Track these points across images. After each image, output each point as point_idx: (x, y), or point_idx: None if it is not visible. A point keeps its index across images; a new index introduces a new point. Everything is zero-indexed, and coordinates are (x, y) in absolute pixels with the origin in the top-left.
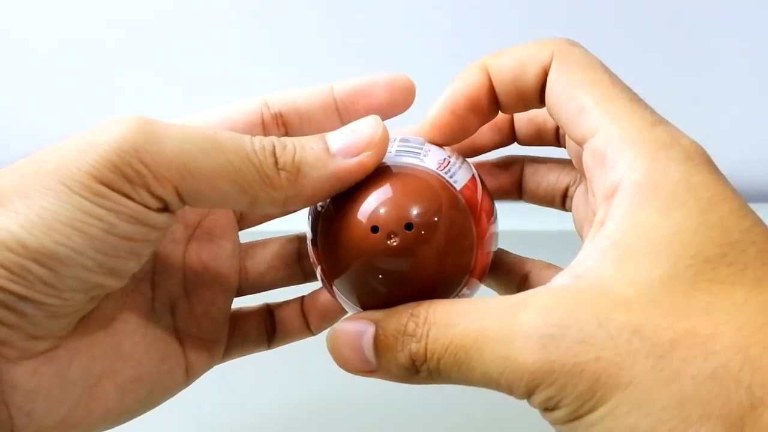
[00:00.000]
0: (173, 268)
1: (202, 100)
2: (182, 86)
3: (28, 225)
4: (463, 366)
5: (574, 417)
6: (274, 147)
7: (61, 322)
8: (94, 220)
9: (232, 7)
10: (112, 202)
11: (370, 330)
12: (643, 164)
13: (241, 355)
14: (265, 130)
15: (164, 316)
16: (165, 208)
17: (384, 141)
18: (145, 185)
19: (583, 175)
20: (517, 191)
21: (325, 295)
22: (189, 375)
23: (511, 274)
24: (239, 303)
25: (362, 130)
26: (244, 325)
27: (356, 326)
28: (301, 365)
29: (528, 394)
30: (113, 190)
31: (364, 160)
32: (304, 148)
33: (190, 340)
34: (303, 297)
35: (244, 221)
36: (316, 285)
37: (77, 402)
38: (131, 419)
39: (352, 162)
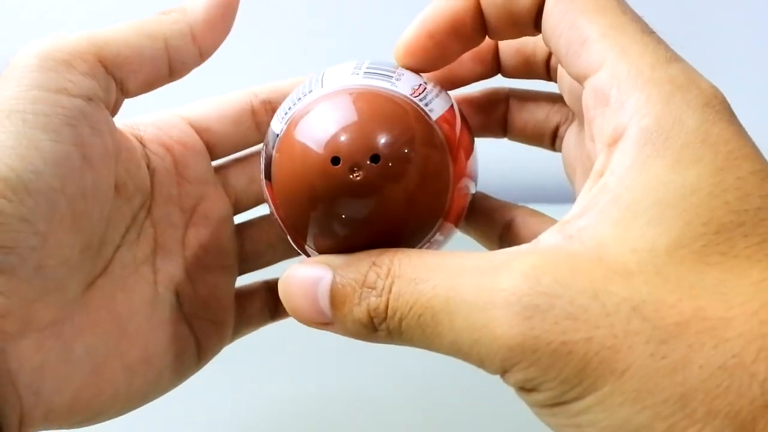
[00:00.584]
0: (173, 252)
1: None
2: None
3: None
4: (428, 330)
5: (556, 403)
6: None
7: (54, 280)
8: (38, 133)
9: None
10: (46, 106)
11: (327, 277)
12: (655, 108)
13: (249, 332)
14: (255, 116)
15: (168, 299)
16: (89, 97)
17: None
18: (70, 66)
19: (575, 113)
20: (502, 128)
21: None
22: (201, 358)
23: (492, 222)
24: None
25: None
26: (248, 303)
27: (312, 272)
28: (300, 361)
29: (502, 371)
30: (48, 90)
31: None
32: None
33: (198, 323)
34: None
35: (239, 205)
36: None
37: (85, 381)
38: (143, 404)
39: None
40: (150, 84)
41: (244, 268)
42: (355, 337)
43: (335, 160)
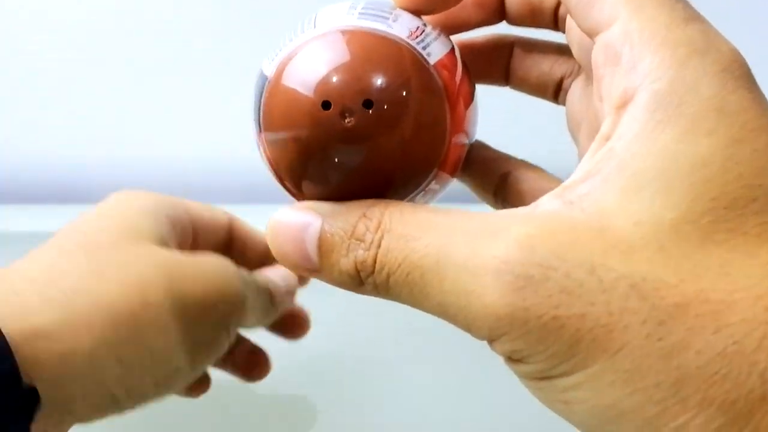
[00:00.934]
0: None
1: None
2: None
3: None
4: (416, 289)
5: (544, 377)
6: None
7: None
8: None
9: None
10: None
11: (316, 224)
12: (668, 72)
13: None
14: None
15: None
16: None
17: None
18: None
19: (583, 67)
20: (504, 76)
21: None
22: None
23: (488, 173)
24: None
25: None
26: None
27: (300, 217)
28: None
29: (490, 340)
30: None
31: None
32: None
33: None
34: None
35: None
36: None
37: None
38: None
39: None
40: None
41: None
42: (342, 287)
43: (326, 105)
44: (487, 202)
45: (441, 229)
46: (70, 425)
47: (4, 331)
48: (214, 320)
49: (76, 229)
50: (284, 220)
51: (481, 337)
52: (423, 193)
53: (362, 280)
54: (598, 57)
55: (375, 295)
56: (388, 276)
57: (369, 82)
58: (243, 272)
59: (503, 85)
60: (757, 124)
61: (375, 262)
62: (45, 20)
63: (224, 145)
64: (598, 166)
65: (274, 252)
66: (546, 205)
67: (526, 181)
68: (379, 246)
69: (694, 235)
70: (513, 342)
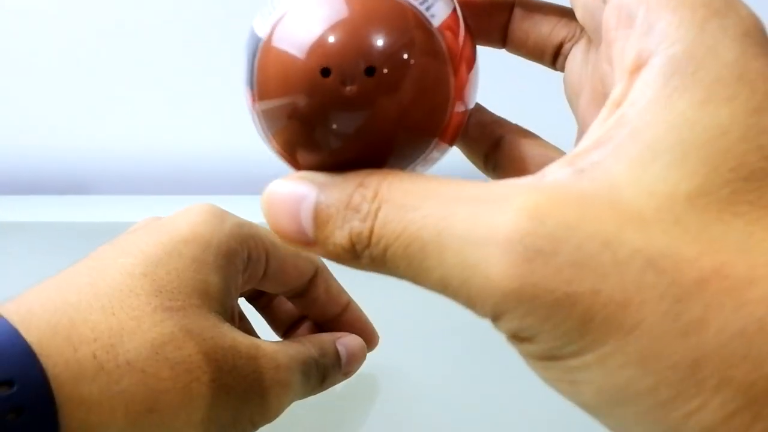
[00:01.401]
0: None
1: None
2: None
3: None
4: (415, 262)
5: (551, 357)
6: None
7: None
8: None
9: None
10: None
11: (311, 195)
12: (687, 35)
13: None
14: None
15: None
16: None
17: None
18: None
19: (587, 30)
20: (501, 38)
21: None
22: None
23: (480, 137)
24: None
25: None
26: None
27: (295, 188)
28: None
29: (494, 317)
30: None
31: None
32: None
33: None
34: None
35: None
36: None
37: None
38: None
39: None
40: None
41: None
42: (337, 261)
43: (325, 72)
44: (478, 167)
45: (442, 198)
46: None
47: (56, 400)
48: (248, 416)
49: (148, 270)
50: (279, 191)
51: (484, 314)
52: (423, 162)
53: (358, 253)
54: (610, 19)
55: (372, 270)
56: (386, 248)
57: (371, 46)
58: (302, 355)
59: (499, 47)
60: None
61: (371, 233)
62: (42, 13)
63: (225, 136)
64: (610, 133)
65: (269, 224)
66: (555, 173)
67: (520, 147)
68: (376, 217)
69: (712, 207)
70: (520, 320)
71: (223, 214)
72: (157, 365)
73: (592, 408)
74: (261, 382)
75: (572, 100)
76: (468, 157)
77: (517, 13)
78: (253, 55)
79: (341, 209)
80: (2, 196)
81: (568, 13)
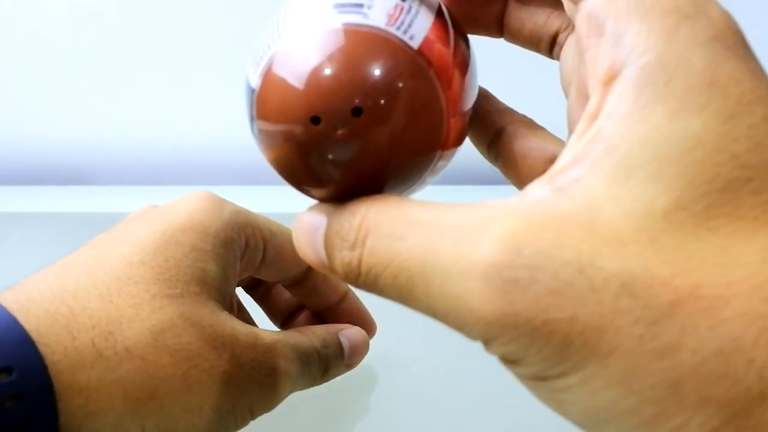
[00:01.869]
0: None
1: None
2: (178, 83)
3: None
4: (404, 292)
5: (539, 378)
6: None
7: None
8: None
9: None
10: None
11: (323, 226)
12: (657, 44)
13: None
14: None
15: None
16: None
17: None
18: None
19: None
20: (498, 27)
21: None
22: None
23: (483, 127)
24: None
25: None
26: None
27: (311, 219)
28: None
29: (484, 343)
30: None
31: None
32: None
33: None
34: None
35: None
36: None
37: None
38: None
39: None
40: None
41: None
42: (349, 283)
43: (315, 120)
44: (483, 156)
45: (427, 227)
46: None
47: (55, 387)
48: (247, 404)
49: (147, 258)
50: (301, 221)
51: (473, 339)
52: (431, 173)
53: (352, 279)
54: (581, 27)
55: (373, 293)
56: (376, 278)
57: (354, 88)
58: (303, 345)
59: (497, 37)
60: (753, 96)
61: (360, 262)
62: (41, 2)
63: (225, 127)
64: (587, 149)
65: (297, 251)
66: (534, 193)
67: (519, 139)
68: (363, 245)
69: (688, 223)
70: (505, 346)
71: (221, 202)
72: (156, 352)
73: (582, 425)
74: (260, 371)
75: (565, 89)
76: (473, 143)
77: (512, 2)
78: (251, 105)
79: (335, 238)
80: (2, 187)
81: (562, 3)
